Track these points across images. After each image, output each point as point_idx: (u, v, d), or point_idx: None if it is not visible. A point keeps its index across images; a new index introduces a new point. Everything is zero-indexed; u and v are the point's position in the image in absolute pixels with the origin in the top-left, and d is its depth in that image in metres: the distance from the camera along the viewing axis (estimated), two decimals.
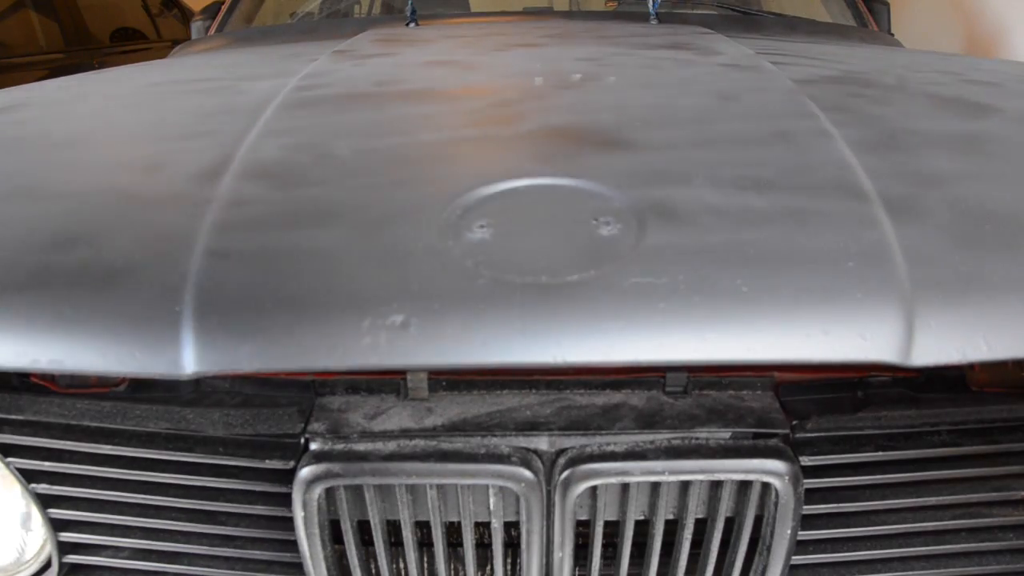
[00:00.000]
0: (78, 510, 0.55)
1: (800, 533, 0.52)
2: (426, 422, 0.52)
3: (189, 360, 0.42)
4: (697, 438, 0.51)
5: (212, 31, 1.53)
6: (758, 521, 0.52)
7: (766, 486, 0.50)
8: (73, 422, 0.52)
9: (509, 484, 0.49)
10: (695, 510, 0.52)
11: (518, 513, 0.52)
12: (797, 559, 0.54)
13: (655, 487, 0.51)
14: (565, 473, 0.49)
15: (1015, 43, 2.41)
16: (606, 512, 0.52)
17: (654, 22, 1.31)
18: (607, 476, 0.49)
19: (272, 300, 0.43)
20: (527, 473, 0.49)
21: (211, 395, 0.55)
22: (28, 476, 0.54)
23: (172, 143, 0.60)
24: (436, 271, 0.44)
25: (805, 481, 0.51)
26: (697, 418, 0.51)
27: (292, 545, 0.53)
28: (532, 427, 0.51)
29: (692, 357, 0.42)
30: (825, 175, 0.52)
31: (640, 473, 0.49)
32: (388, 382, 0.54)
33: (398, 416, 0.52)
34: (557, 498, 0.50)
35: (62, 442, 0.53)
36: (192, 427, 0.52)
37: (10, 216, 0.51)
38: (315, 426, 0.52)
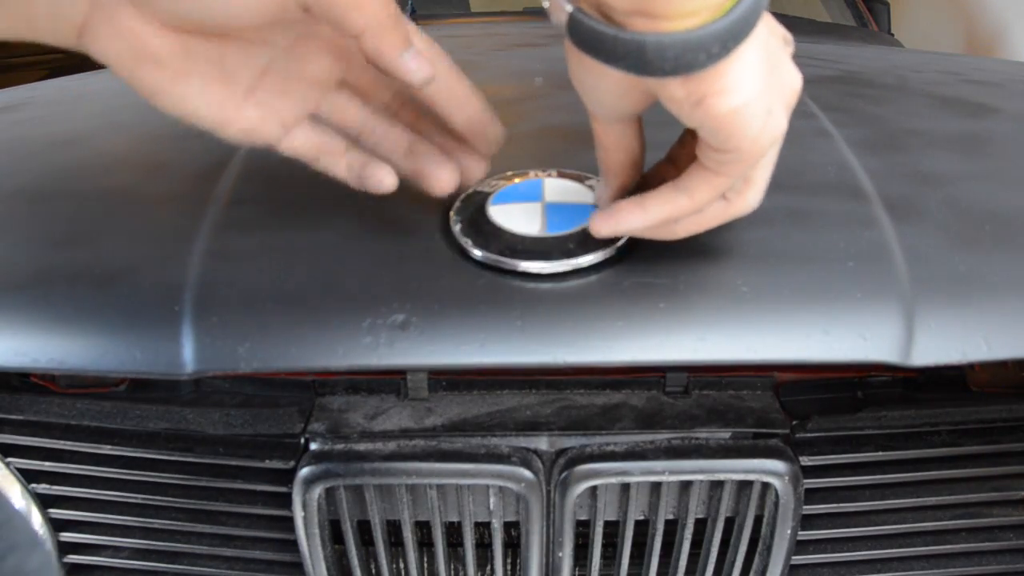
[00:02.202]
0: (78, 510, 0.55)
1: (800, 533, 0.52)
2: (426, 422, 0.52)
3: (189, 360, 0.42)
4: (697, 438, 0.51)
5: None
6: (758, 521, 0.52)
7: (766, 486, 0.50)
8: (73, 422, 0.52)
9: (509, 484, 0.49)
10: (695, 510, 0.52)
11: (518, 513, 0.52)
12: (797, 559, 0.54)
13: (655, 487, 0.51)
14: (565, 473, 0.49)
15: (1015, 43, 2.42)
16: (606, 512, 0.52)
17: None
18: (607, 476, 0.49)
19: (272, 300, 0.43)
20: (527, 473, 0.49)
21: (211, 395, 0.55)
22: (28, 476, 0.54)
23: (172, 143, 0.60)
24: (436, 271, 0.44)
25: (805, 481, 0.51)
26: (697, 418, 0.52)
27: (292, 545, 0.53)
28: (532, 427, 0.51)
29: (692, 357, 0.42)
30: (825, 175, 0.52)
31: (640, 473, 0.49)
32: (388, 382, 0.54)
33: (398, 416, 0.52)
34: (557, 498, 0.50)
35: (62, 442, 0.53)
36: (192, 427, 0.52)
37: (10, 216, 0.51)
38: (315, 426, 0.52)
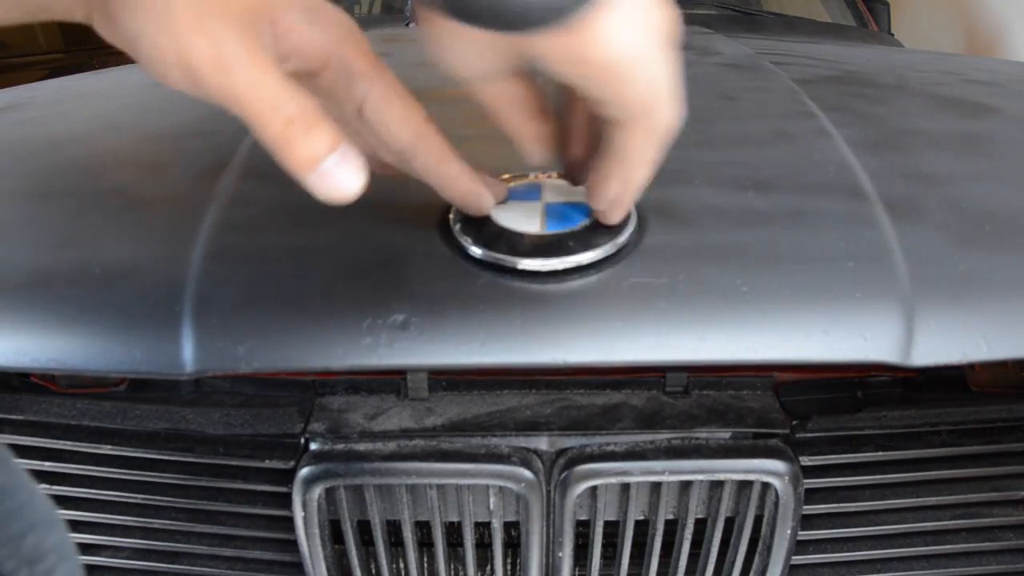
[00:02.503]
0: (78, 510, 0.55)
1: (800, 533, 0.52)
2: (426, 422, 0.52)
3: (189, 360, 0.42)
4: (697, 438, 0.51)
5: None
6: (758, 521, 0.52)
7: (766, 486, 0.50)
8: (73, 422, 0.52)
9: (509, 484, 0.49)
10: (695, 510, 0.52)
11: (518, 513, 0.52)
12: (797, 559, 0.54)
13: (655, 487, 0.51)
14: (565, 473, 0.49)
15: (1015, 43, 2.42)
16: (606, 512, 0.52)
17: None
18: (607, 476, 0.49)
19: (272, 300, 0.43)
20: (527, 473, 0.49)
21: (211, 395, 0.55)
22: None
23: (172, 143, 0.60)
24: (436, 271, 0.44)
25: (805, 481, 0.51)
26: (697, 418, 0.52)
27: (292, 545, 0.53)
28: (532, 427, 0.51)
29: (692, 357, 0.42)
30: (825, 175, 0.52)
31: (640, 473, 0.49)
32: (388, 382, 0.54)
33: (398, 416, 0.52)
34: (557, 498, 0.50)
35: (62, 442, 0.53)
36: (192, 427, 0.52)
37: (10, 216, 0.51)
38: (315, 426, 0.52)
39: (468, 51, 0.34)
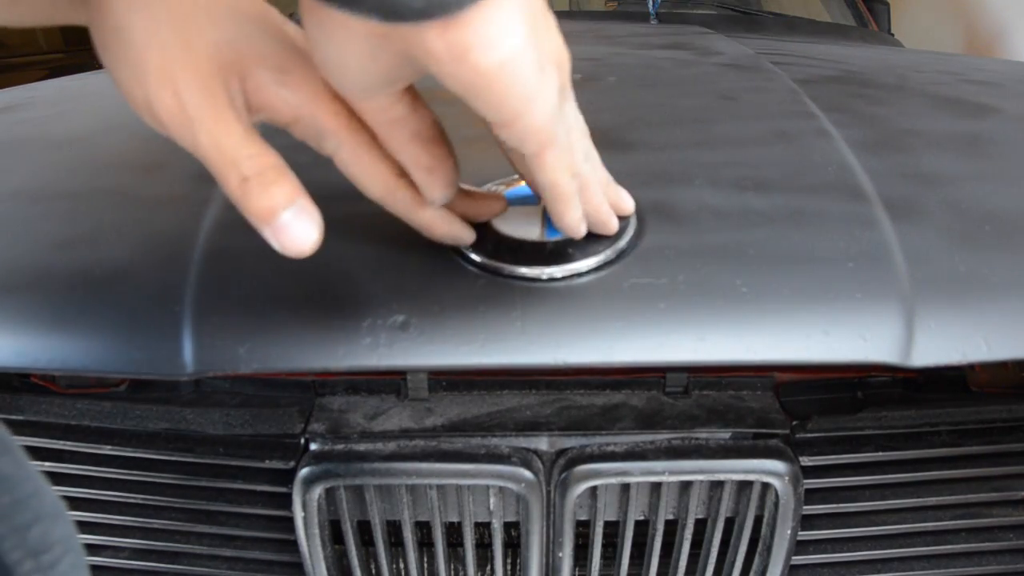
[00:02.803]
0: (78, 510, 0.55)
1: (800, 533, 0.52)
2: (426, 422, 0.52)
3: (189, 360, 0.42)
4: (697, 438, 0.51)
5: None
6: (758, 521, 0.53)
7: (766, 486, 0.50)
8: (73, 422, 0.52)
9: (509, 484, 0.49)
10: (695, 510, 0.52)
11: (518, 513, 0.52)
12: (797, 559, 0.54)
13: (655, 487, 0.51)
14: (565, 473, 0.49)
15: (1015, 43, 2.42)
16: (606, 512, 0.52)
17: (654, 22, 1.31)
18: (607, 476, 0.49)
19: (272, 301, 0.43)
20: (527, 473, 0.49)
21: (211, 395, 0.55)
22: None
23: (172, 143, 0.60)
24: (436, 272, 0.44)
25: (805, 481, 0.51)
26: (697, 418, 0.52)
27: (292, 545, 0.53)
28: (532, 427, 0.51)
29: (692, 357, 0.42)
30: (825, 175, 0.52)
31: (640, 473, 0.49)
32: (388, 382, 0.54)
33: (398, 416, 0.52)
34: (557, 498, 0.50)
35: (62, 442, 0.53)
36: (192, 427, 0.52)
37: (10, 216, 0.51)
38: (315, 426, 0.52)
39: (351, 52, 0.32)
